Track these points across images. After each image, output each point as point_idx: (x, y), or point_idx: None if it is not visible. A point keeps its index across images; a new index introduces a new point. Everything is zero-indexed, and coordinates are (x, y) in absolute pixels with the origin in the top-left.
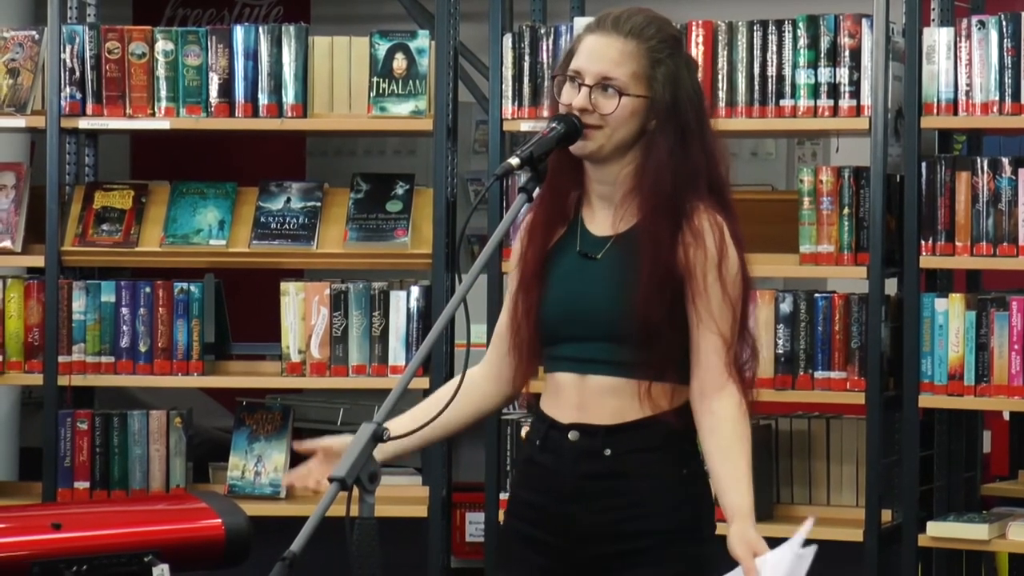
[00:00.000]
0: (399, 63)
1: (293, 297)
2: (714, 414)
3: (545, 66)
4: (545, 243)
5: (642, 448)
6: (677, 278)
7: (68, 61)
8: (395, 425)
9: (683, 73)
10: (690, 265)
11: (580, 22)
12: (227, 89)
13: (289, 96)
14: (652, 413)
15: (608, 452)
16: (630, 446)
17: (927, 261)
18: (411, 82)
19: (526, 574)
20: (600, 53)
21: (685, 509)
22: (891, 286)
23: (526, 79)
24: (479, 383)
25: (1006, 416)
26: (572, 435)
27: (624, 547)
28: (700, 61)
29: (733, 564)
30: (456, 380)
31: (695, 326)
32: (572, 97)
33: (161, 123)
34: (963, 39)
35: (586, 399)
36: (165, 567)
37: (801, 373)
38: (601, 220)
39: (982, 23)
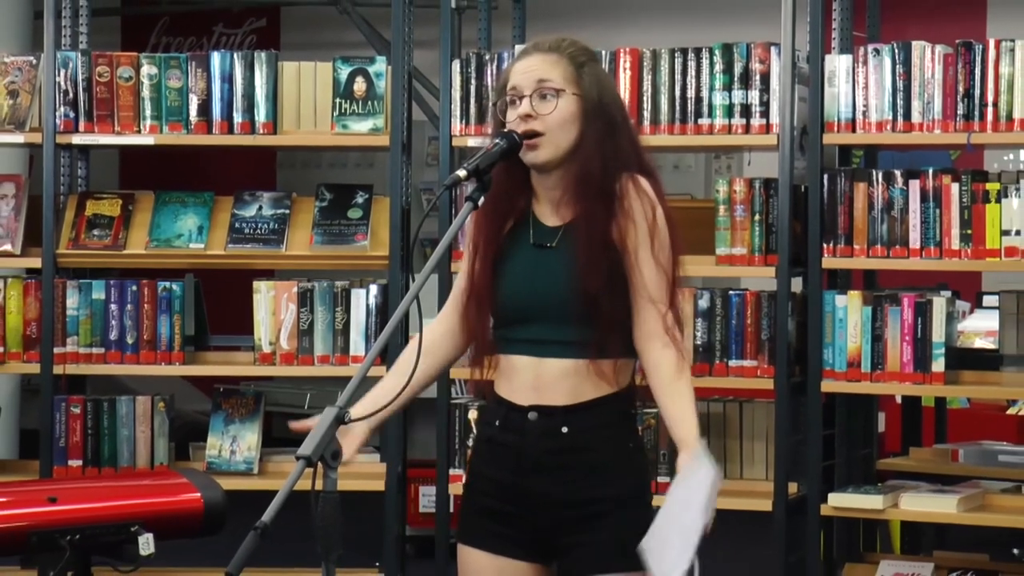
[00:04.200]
0: (359, 86)
1: (264, 295)
2: (656, 352)
3: (489, 88)
4: (494, 234)
5: (596, 425)
6: (613, 252)
7: (62, 83)
8: (367, 401)
9: (604, 77)
10: (624, 239)
11: (521, 49)
12: (205, 109)
13: (261, 115)
14: (604, 393)
15: (565, 430)
16: (586, 424)
17: (829, 262)
18: (370, 103)
19: (490, 544)
20: (531, 68)
21: (632, 478)
22: (797, 284)
23: (473, 100)
24: (439, 342)
25: (898, 399)
26: (532, 415)
27: (580, 513)
28: (627, 84)
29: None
30: (414, 344)
31: (634, 295)
32: (516, 114)
33: (146, 139)
34: (860, 65)
35: (543, 381)
36: (150, 536)
37: (717, 361)
38: (551, 212)
39: (877, 51)
